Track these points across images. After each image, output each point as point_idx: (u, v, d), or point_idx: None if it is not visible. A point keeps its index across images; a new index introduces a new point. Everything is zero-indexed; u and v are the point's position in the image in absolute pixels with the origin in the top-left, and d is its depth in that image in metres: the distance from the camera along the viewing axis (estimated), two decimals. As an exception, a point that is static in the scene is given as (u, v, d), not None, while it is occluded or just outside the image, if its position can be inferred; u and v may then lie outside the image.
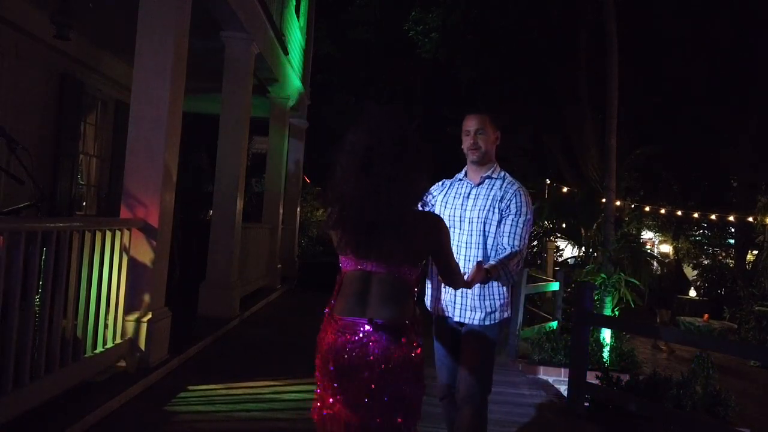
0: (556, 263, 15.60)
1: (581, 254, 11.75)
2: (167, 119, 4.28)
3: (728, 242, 18.03)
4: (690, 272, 17.71)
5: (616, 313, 7.70)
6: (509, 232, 2.62)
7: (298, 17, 10.13)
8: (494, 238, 2.65)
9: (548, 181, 14.93)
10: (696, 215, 15.65)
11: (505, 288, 2.69)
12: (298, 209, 11.41)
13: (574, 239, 12.07)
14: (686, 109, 14.38)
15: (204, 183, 11.42)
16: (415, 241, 1.91)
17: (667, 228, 18.13)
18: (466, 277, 2.23)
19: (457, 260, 2.33)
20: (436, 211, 2.71)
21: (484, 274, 2.32)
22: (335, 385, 1.89)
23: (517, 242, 2.61)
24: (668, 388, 5.29)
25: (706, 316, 12.80)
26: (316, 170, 14.32)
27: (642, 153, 11.94)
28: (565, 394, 5.16)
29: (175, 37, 4.34)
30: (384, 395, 1.86)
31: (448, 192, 2.81)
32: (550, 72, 14.12)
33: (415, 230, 1.89)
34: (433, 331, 2.80)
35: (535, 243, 14.85)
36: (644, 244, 17.38)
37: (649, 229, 18.47)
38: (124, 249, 4.05)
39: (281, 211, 9.51)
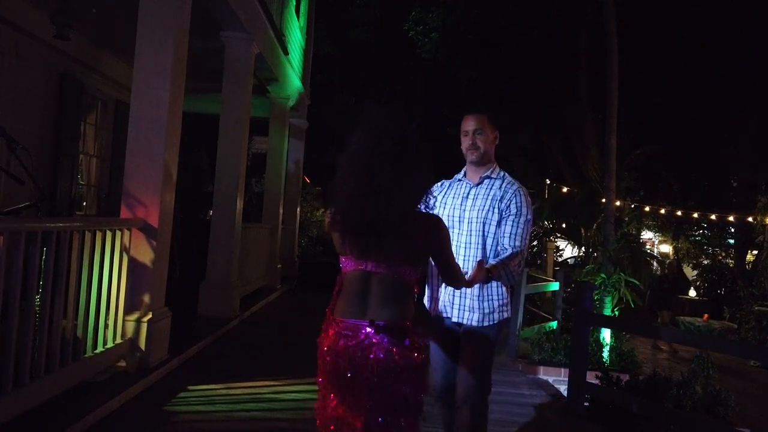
0: (556, 263, 15.60)
1: (581, 254, 11.75)
2: (167, 119, 4.28)
3: (728, 242, 18.03)
4: (690, 272, 17.71)
5: (616, 313, 7.71)
6: (510, 233, 2.62)
7: (298, 17, 10.13)
8: (494, 238, 2.64)
9: (548, 181, 14.92)
10: (696, 215, 15.65)
11: (504, 288, 2.69)
12: (298, 209, 11.41)
13: (574, 239, 12.07)
14: (686, 109, 14.39)
15: (204, 183, 11.43)
16: (415, 242, 1.91)
17: (667, 228, 18.14)
18: (467, 277, 2.23)
19: (456, 260, 2.33)
20: (436, 212, 2.71)
21: (485, 273, 2.32)
22: (337, 387, 1.89)
23: (518, 242, 2.61)
24: (668, 388, 5.29)
25: (706, 316, 12.80)
26: (316, 170, 14.34)
27: (642, 153, 11.94)
28: (565, 394, 5.16)
29: (175, 37, 4.34)
30: (386, 396, 1.86)
31: (447, 192, 2.81)
32: (550, 72, 14.13)
33: (414, 230, 1.89)
34: (433, 332, 2.80)
35: (535, 243, 14.85)
36: (644, 244, 17.40)
37: (649, 229, 18.48)
38: (124, 249, 4.05)
39: (281, 211, 9.51)
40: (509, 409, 4.50)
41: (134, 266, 4.14)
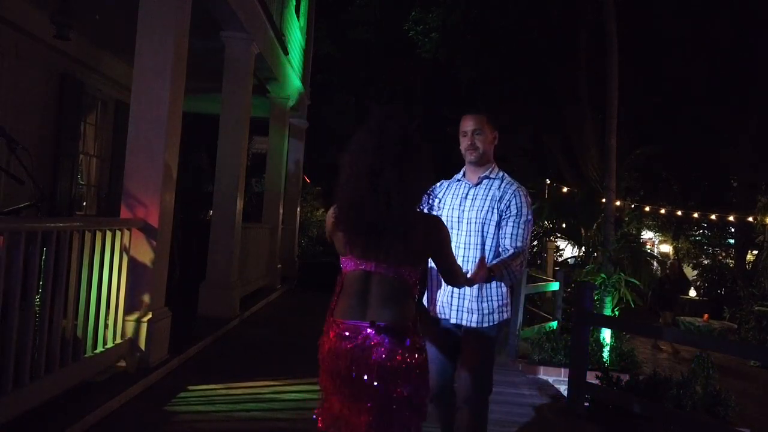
0: (556, 263, 15.60)
1: (581, 254, 11.75)
2: (167, 119, 4.28)
3: (728, 242, 18.04)
4: (690, 272, 17.71)
5: (616, 313, 7.71)
6: (511, 234, 2.61)
7: (298, 17, 10.13)
8: (492, 239, 2.64)
9: (548, 181, 14.93)
10: (696, 215, 15.66)
11: (503, 289, 2.68)
12: (298, 209, 11.41)
13: (574, 239, 12.08)
14: (686, 109, 14.38)
15: (204, 183, 11.43)
16: (415, 242, 1.91)
17: (667, 228, 18.16)
18: (468, 275, 2.23)
19: (456, 260, 2.33)
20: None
21: (486, 272, 2.31)
22: (339, 388, 1.89)
23: (519, 243, 2.60)
24: (668, 388, 5.29)
25: (706, 316, 12.80)
26: (316, 170, 14.33)
27: (642, 153, 11.95)
28: (565, 394, 5.17)
29: (175, 37, 4.34)
30: (388, 397, 1.86)
31: (446, 193, 2.80)
32: (550, 72, 14.12)
33: (415, 231, 1.89)
34: (429, 331, 2.80)
35: (535, 243, 14.84)
36: (644, 244, 17.41)
37: (649, 229, 18.49)
38: (124, 249, 4.05)
39: (281, 211, 9.51)
40: (509, 409, 4.50)
41: (134, 266, 4.14)
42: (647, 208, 15.17)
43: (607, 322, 6.62)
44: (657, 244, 21.23)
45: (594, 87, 11.82)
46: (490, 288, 2.65)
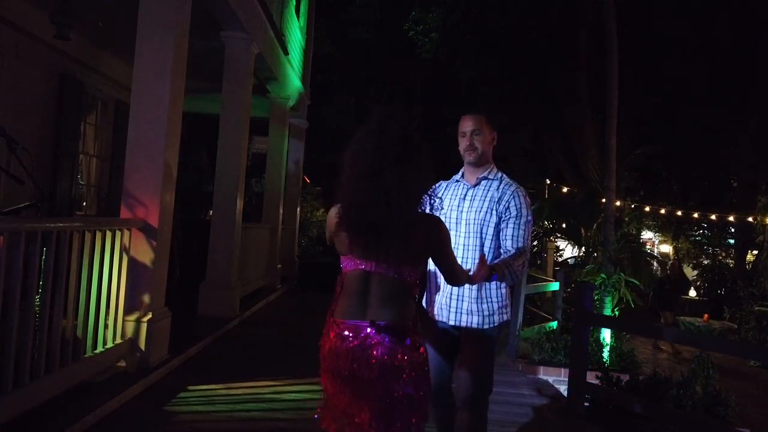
0: (556, 263, 15.59)
1: (581, 254, 11.75)
2: (167, 119, 4.28)
3: (728, 242, 18.03)
4: (690, 272, 17.72)
5: (616, 313, 7.70)
6: (511, 235, 2.61)
7: (298, 17, 10.13)
8: (491, 240, 2.63)
9: (548, 181, 14.92)
10: (696, 215, 15.65)
11: (503, 290, 2.68)
12: (298, 209, 11.41)
13: (574, 239, 12.07)
14: (686, 109, 14.38)
15: (204, 183, 11.42)
16: (416, 242, 1.91)
17: (667, 228, 18.15)
18: (470, 273, 2.22)
19: (456, 260, 2.33)
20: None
21: (488, 270, 2.31)
22: (340, 388, 1.89)
23: (520, 244, 2.60)
24: (668, 388, 5.29)
25: (706, 316, 12.80)
26: (316, 170, 14.34)
27: (642, 153, 11.95)
28: (565, 394, 5.16)
29: (175, 37, 4.34)
30: (389, 396, 1.86)
31: (445, 193, 2.79)
32: (550, 72, 14.12)
33: (415, 230, 1.89)
34: (426, 331, 2.80)
35: (535, 243, 14.84)
36: (644, 244, 17.41)
37: (649, 229, 18.48)
38: (124, 249, 4.05)
39: (281, 211, 9.51)
40: (509, 409, 4.50)
41: (134, 266, 4.14)
42: (647, 208, 15.17)
43: (607, 322, 6.62)
44: (657, 244, 21.23)
45: (594, 87, 11.82)
46: (490, 289, 2.64)
